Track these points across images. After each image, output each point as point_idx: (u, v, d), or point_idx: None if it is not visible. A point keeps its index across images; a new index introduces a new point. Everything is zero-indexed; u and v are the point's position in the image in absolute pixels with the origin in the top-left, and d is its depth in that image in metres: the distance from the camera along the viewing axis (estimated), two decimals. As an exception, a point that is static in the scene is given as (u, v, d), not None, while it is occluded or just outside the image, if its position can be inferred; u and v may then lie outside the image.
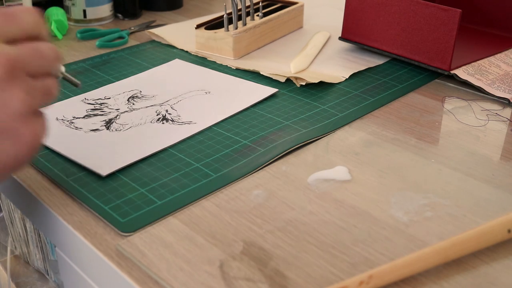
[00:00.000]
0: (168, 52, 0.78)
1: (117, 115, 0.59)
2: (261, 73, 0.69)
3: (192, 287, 0.37)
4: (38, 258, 0.70)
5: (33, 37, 0.38)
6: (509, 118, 0.60)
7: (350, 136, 0.56)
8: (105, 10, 0.90)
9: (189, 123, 0.58)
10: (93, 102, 0.62)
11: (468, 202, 0.46)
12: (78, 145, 0.53)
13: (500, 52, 0.75)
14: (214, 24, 0.79)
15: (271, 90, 0.65)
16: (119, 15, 0.94)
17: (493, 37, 0.81)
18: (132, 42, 0.83)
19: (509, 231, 0.40)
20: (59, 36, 0.83)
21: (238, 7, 0.77)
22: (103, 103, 0.62)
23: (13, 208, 0.74)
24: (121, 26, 0.89)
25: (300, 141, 0.54)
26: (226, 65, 0.73)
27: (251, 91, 0.65)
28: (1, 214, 0.79)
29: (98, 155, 0.51)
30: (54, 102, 0.61)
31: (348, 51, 0.78)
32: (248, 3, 0.79)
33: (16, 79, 0.34)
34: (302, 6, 0.86)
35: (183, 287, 0.37)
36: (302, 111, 0.61)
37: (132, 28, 0.87)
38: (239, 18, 0.78)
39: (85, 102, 0.62)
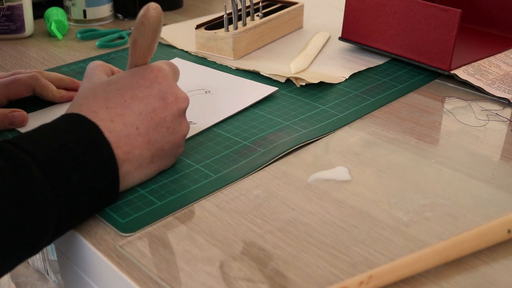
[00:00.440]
0: (168, 52, 0.78)
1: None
2: (261, 73, 0.69)
3: (192, 287, 0.37)
4: (38, 258, 0.70)
5: None
6: (509, 118, 0.60)
7: (350, 136, 0.56)
8: (105, 10, 0.90)
9: (189, 123, 0.57)
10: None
11: (468, 202, 0.46)
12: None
13: (500, 52, 0.75)
14: (214, 24, 0.79)
15: (272, 89, 0.65)
16: (119, 15, 0.94)
17: (493, 37, 0.81)
18: (132, 42, 0.83)
19: (509, 231, 0.40)
20: (59, 36, 0.83)
21: (238, 7, 0.77)
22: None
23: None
24: (121, 26, 0.89)
25: (300, 142, 0.54)
26: (226, 65, 0.73)
27: (252, 89, 0.65)
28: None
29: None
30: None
31: (348, 51, 0.78)
32: (248, 3, 0.79)
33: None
34: (302, 6, 0.86)
35: (183, 288, 0.37)
36: (302, 112, 0.61)
37: (132, 28, 0.87)
38: (239, 18, 0.78)
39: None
